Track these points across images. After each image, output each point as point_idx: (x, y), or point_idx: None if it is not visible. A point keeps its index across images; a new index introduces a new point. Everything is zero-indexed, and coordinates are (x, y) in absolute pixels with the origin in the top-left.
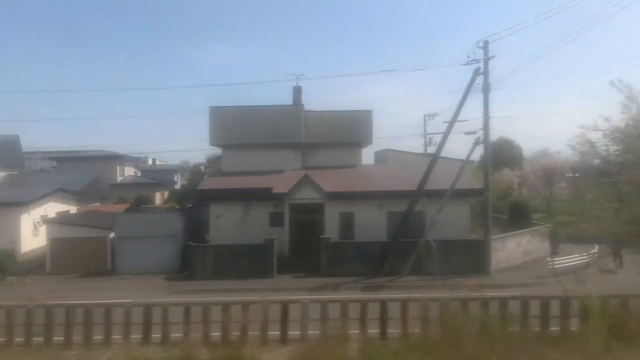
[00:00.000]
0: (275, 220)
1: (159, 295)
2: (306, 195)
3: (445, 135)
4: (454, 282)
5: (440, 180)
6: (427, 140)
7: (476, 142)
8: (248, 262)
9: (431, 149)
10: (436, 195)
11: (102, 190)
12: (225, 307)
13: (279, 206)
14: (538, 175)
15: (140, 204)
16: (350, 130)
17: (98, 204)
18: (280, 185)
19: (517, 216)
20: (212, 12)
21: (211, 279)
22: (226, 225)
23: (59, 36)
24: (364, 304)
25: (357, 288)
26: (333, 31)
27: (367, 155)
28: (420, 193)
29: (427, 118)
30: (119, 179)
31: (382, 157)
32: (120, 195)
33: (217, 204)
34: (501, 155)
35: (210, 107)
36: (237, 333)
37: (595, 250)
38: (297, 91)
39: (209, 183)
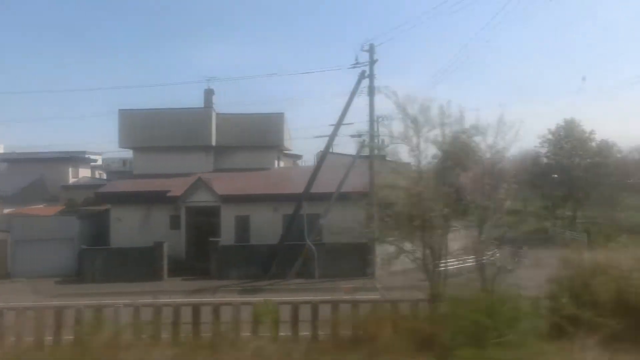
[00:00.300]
0: (176, 223)
1: (37, 299)
2: (201, 199)
3: (332, 138)
4: (333, 285)
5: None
6: (381, 141)
7: (361, 145)
8: (139, 265)
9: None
10: (326, 197)
11: (49, 193)
12: (19, 312)
13: (177, 209)
14: (484, 178)
15: (87, 206)
16: (263, 133)
17: (42, 206)
18: (184, 188)
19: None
20: (212, 12)
21: (100, 282)
22: (127, 229)
23: (59, 36)
24: (176, 309)
25: (235, 291)
26: (333, 31)
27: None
28: (306, 196)
29: (379, 119)
30: (72, 180)
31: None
32: (71, 197)
33: (117, 207)
34: (457, 157)
35: (120, 110)
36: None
37: (496, 249)
38: (209, 93)
39: (112, 186)
